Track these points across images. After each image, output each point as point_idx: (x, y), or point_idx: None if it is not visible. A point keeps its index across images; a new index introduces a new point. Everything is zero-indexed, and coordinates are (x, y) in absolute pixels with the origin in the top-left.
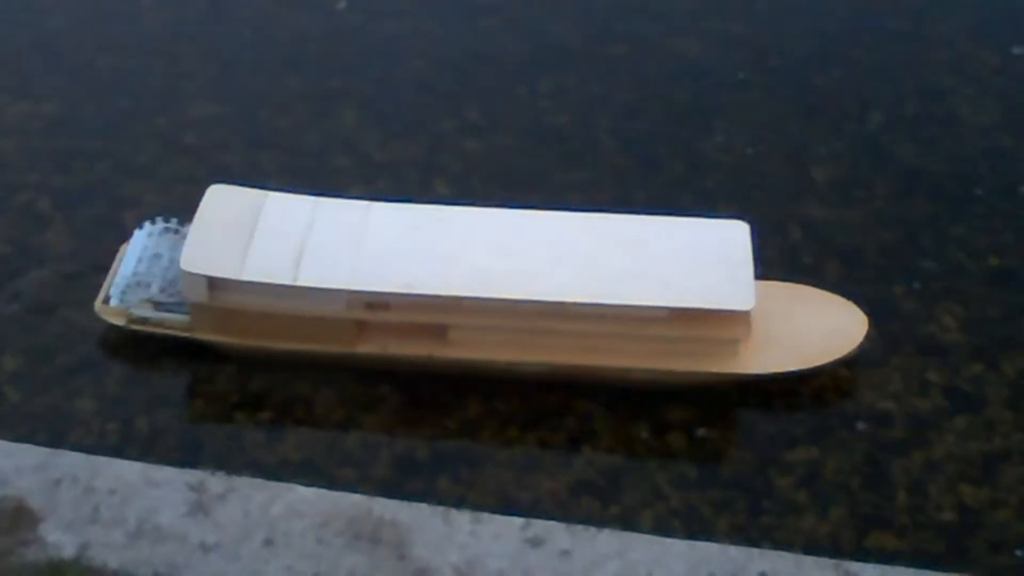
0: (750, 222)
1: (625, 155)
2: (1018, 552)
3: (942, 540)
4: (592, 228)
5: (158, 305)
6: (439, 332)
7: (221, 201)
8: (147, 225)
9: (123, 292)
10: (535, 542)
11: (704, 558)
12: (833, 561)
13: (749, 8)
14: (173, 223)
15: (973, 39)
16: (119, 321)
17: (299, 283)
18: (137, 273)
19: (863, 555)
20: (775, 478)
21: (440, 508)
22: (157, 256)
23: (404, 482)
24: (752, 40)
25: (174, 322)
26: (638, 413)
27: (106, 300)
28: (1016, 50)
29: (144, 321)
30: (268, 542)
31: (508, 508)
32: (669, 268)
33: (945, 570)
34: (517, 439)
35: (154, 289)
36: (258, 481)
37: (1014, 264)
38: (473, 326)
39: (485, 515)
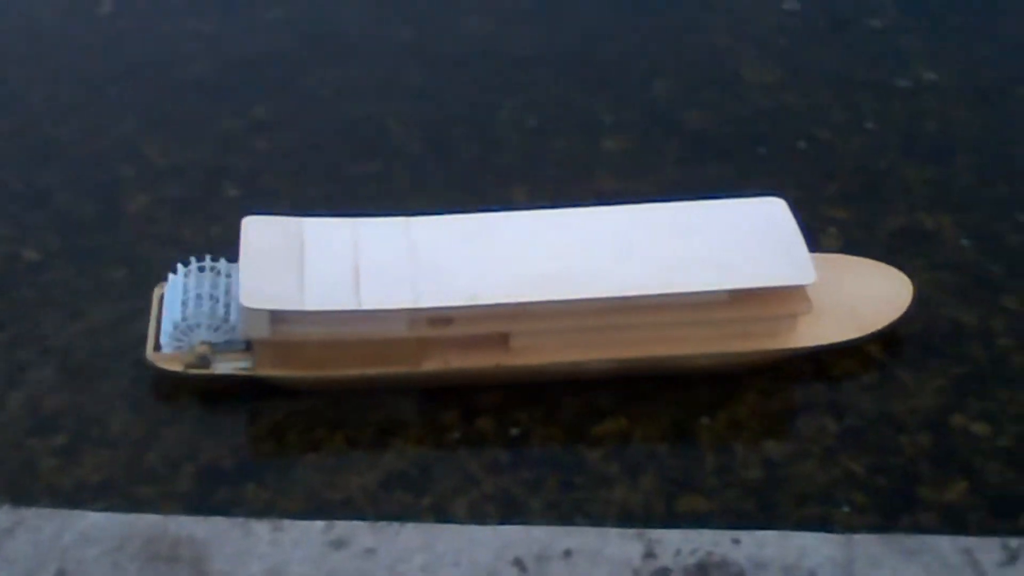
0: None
1: (418, 141)
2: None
3: (751, 498)
4: (635, 219)
5: (213, 346)
6: (501, 341)
7: (260, 233)
8: (180, 267)
9: (174, 337)
10: (338, 544)
11: (511, 541)
12: (636, 531)
13: None
14: (208, 261)
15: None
16: (176, 367)
17: (364, 307)
18: (185, 316)
19: (674, 520)
20: (585, 452)
21: (239, 520)
22: (199, 297)
23: (209, 495)
24: (539, 15)
25: (235, 363)
26: (448, 402)
27: (156, 348)
28: (787, 5)
29: (204, 364)
30: (61, 573)
31: (318, 510)
32: (723, 251)
33: (754, 527)
34: (325, 439)
35: (203, 331)
36: (46, 511)
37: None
38: (536, 331)
39: (286, 522)
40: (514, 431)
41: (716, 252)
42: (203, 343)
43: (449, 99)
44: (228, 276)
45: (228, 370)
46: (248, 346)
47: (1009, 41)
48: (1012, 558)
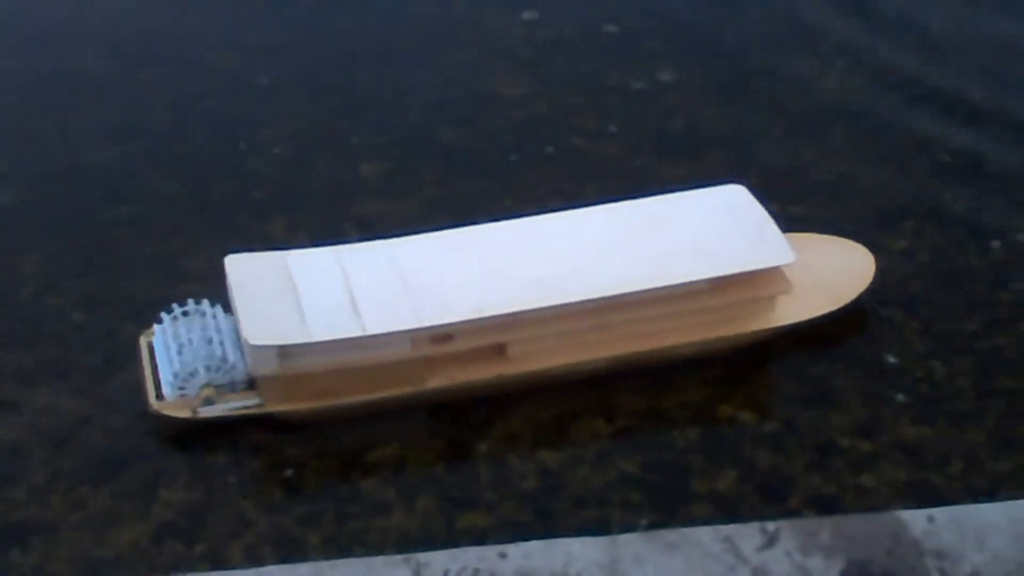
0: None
1: (172, 180)
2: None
3: (528, 508)
4: (609, 219)
5: (216, 388)
6: (498, 351)
7: (246, 270)
8: (164, 316)
9: (176, 385)
10: None
11: None
12: (403, 556)
13: (281, 16)
14: (191, 304)
15: (495, 13)
16: (184, 413)
17: (369, 332)
18: (184, 363)
19: (453, 538)
20: (360, 482)
21: None
22: (190, 342)
23: None
24: (283, 46)
25: (242, 401)
26: (216, 445)
27: (158, 397)
28: (527, 15)
29: (211, 406)
30: None
31: (89, 571)
32: (701, 240)
33: (532, 536)
34: (89, 496)
35: (202, 374)
36: None
37: None
38: (532, 338)
39: None
40: (288, 471)
41: (695, 242)
42: (206, 386)
43: (199, 136)
44: (215, 317)
45: (236, 410)
46: (251, 383)
47: (745, 37)
48: (770, 541)
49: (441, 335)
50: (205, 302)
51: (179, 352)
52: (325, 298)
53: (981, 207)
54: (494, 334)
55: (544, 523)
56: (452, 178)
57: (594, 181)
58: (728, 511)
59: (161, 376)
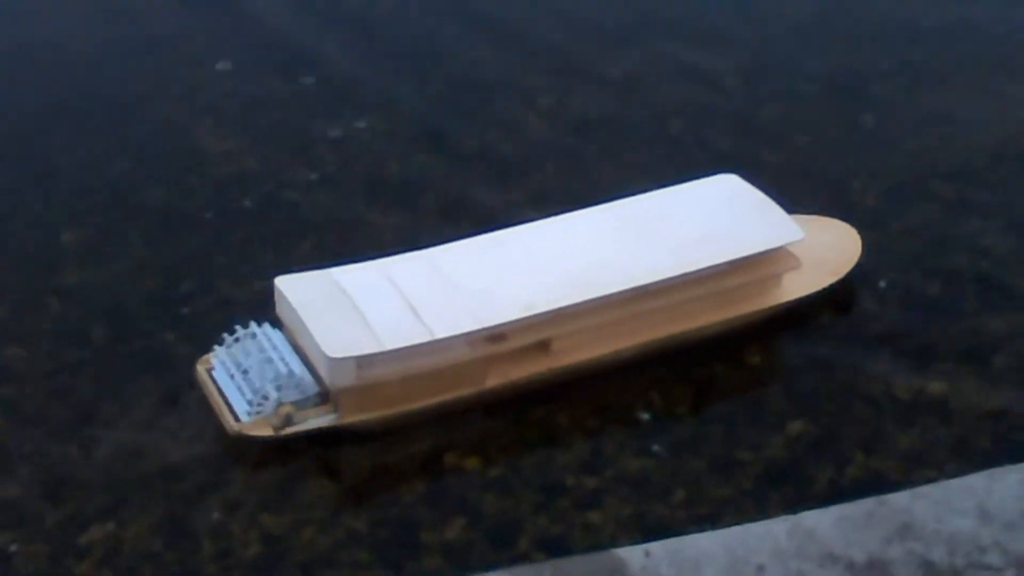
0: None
1: None
2: None
3: None
4: (623, 215)
5: (292, 405)
6: (543, 347)
7: (299, 289)
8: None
9: (251, 406)
10: None
11: None
12: None
13: None
14: (240, 331)
15: (186, 66)
16: (266, 432)
17: (437, 336)
18: (250, 384)
19: None
20: (73, 566)
21: None
22: (251, 365)
23: None
24: None
25: (320, 415)
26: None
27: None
28: (220, 66)
29: (289, 423)
30: None
31: None
32: (713, 226)
33: None
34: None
35: (273, 392)
36: None
37: None
38: (573, 331)
39: None
40: None
41: (708, 228)
42: (283, 404)
43: None
44: (267, 338)
45: (316, 424)
46: (323, 398)
47: (448, 79)
48: None
49: (496, 335)
50: (252, 324)
51: (245, 374)
52: (386, 309)
53: None
54: (541, 330)
55: None
56: (161, 240)
57: (308, 234)
58: (457, 561)
59: (231, 400)
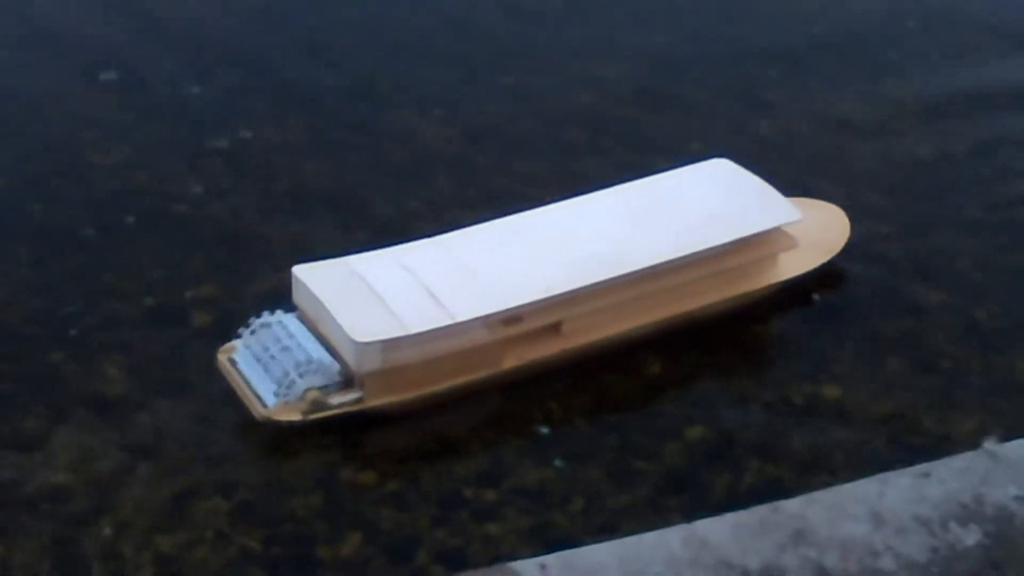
0: None
1: None
2: None
3: None
4: (626, 199)
5: (319, 390)
6: (554, 329)
7: (318, 277)
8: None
9: (278, 393)
10: None
11: None
12: None
13: None
14: (255, 322)
15: (71, 78)
16: (295, 417)
17: (458, 319)
18: (273, 372)
19: None
20: None
21: None
22: (281, 351)
23: None
24: None
25: (347, 398)
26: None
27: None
28: (104, 76)
29: (319, 407)
30: None
31: None
32: (712, 208)
33: None
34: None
35: (297, 379)
36: None
37: (168, 300)
38: (584, 313)
39: None
40: None
41: (709, 210)
42: (310, 389)
43: None
44: (285, 325)
45: (343, 408)
46: (347, 382)
47: (337, 90)
48: None
49: (512, 317)
50: (265, 313)
51: (270, 362)
52: (406, 294)
53: None
54: (555, 312)
55: None
56: (48, 256)
57: (200, 248)
58: None
59: (257, 387)
